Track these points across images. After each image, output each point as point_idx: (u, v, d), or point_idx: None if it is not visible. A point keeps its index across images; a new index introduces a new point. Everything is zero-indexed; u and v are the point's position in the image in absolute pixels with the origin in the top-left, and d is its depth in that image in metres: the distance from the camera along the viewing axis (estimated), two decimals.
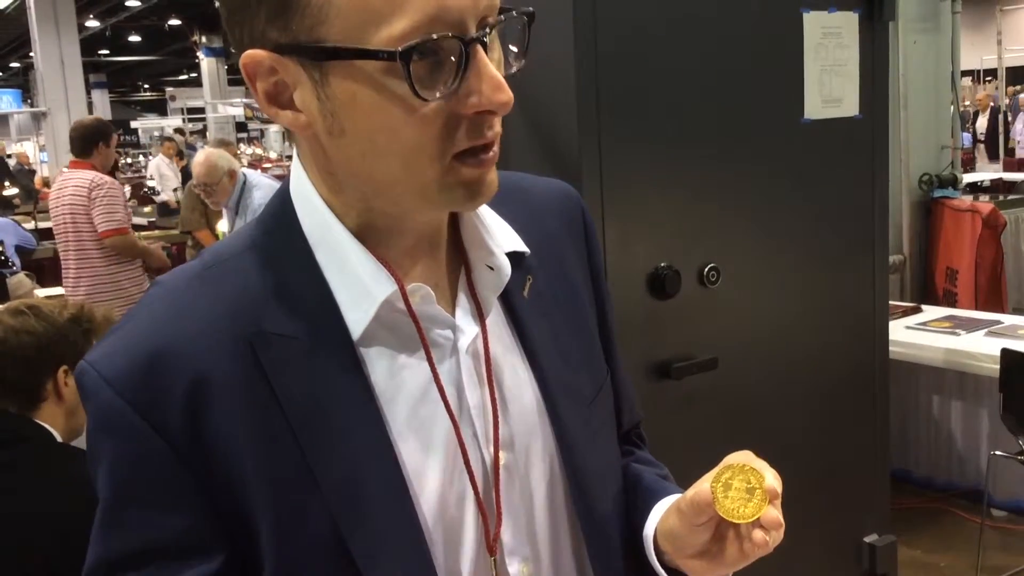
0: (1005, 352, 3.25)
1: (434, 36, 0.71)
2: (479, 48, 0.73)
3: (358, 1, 0.70)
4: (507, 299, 0.89)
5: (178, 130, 17.33)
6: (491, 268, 0.86)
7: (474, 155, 0.76)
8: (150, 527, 0.76)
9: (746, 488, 0.81)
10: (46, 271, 8.00)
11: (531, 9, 0.78)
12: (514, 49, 0.79)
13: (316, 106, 0.75)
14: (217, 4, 0.77)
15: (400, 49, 0.70)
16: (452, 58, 0.72)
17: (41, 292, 6.08)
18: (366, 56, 0.71)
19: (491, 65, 0.73)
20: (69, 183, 5.04)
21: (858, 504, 2.54)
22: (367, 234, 0.81)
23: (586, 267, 0.99)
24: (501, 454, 0.85)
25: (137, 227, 9.96)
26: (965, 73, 10.22)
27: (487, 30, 0.74)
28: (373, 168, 0.77)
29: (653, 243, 2.10)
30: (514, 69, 0.79)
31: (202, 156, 5.06)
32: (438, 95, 0.72)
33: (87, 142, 5.08)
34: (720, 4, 2.14)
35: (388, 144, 0.74)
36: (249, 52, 0.75)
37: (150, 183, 12.98)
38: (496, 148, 0.77)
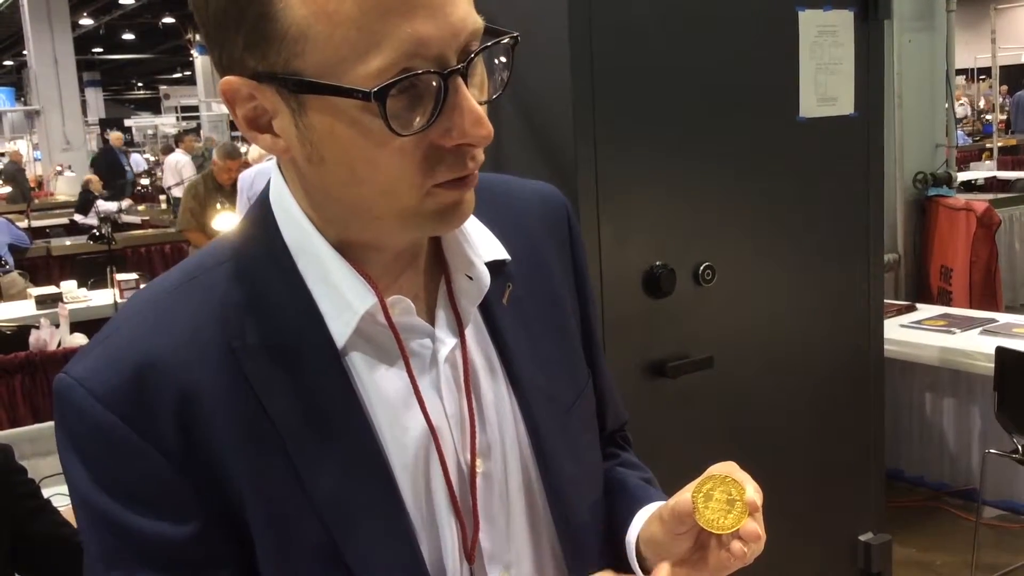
0: (1000, 351, 3.26)
1: (412, 72, 0.69)
2: (459, 81, 0.71)
3: (335, 37, 0.68)
4: (487, 308, 0.89)
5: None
6: (471, 278, 0.86)
7: (454, 180, 0.75)
8: (162, 540, 0.75)
9: (727, 499, 0.81)
10: (39, 270, 7.97)
11: (516, 33, 0.76)
12: (501, 70, 0.77)
13: (295, 134, 0.74)
14: (197, 23, 0.76)
15: (375, 89, 0.68)
16: (431, 91, 0.70)
17: (34, 291, 6.07)
18: (341, 93, 0.70)
19: (471, 98, 0.72)
20: None
21: (853, 503, 2.54)
22: (346, 248, 0.81)
23: (570, 269, 0.98)
24: (478, 462, 0.85)
25: (134, 227, 9.96)
26: (959, 72, 10.23)
27: (470, 56, 0.72)
28: (352, 195, 0.76)
29: (648, 242, 2.09)
30: (498, 93, 0.77)
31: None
32: (415, 129, 0.71)
33: None
34: (715, 3, 2.13)
35: (367, 174, 0.73)
36: (228, 79, 0.74)
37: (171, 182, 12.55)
38: (476, 172, 0.76)
